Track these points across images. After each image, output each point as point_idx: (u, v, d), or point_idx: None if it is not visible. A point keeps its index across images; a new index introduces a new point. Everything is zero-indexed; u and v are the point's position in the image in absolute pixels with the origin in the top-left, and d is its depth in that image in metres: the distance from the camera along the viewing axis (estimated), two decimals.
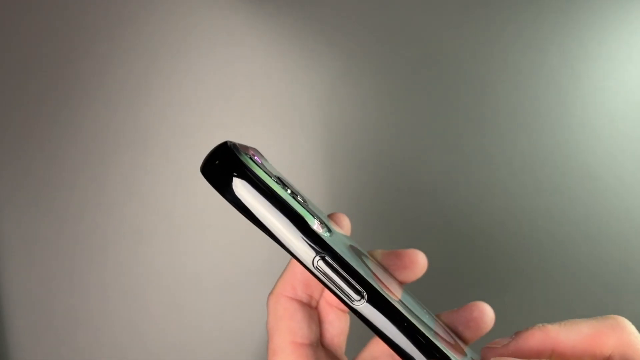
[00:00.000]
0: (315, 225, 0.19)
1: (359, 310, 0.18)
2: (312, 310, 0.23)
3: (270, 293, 0.23)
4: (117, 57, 0.40)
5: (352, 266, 0.18)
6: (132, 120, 0.40)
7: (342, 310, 0.23)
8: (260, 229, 0.18)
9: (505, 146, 0.41)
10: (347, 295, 0.18)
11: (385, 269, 0.23)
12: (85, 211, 0.40)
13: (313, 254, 0.18)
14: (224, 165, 0.19)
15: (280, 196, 0.18)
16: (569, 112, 0.41)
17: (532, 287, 0.42)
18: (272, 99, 0.40)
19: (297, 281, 0.22)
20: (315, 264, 0.19)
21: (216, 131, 0.40)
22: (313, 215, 0.19)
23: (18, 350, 0.41)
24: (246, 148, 0.20)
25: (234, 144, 0.19)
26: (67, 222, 0.40)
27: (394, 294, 0.19)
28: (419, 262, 0.23)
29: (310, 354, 0.22)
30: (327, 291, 0.22)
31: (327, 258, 0.18)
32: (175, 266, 0.41)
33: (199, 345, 0.41)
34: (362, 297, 0.18)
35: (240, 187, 0.18)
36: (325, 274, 0.19)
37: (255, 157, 0.20)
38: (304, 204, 0.19)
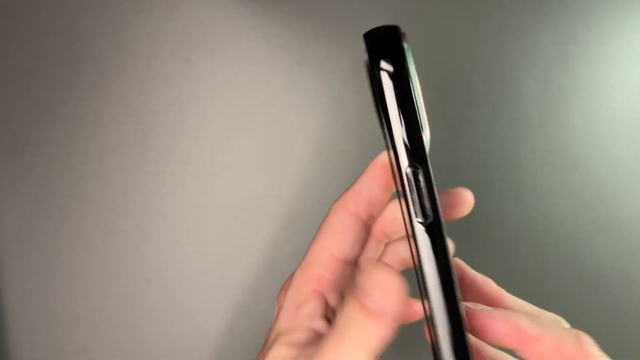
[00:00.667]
0: (425, 138, 0.20)
1: (416, 228, 0.19)
2: (366, 229, 0.23)
3: (335, 202, 0.23)
4: (117, 56, 0.40)
5: (434, 190, 0.19)
6: (132, 120, 0.40)
7: (390, 233, 0.23)
8: (380, 114, 0.19)
9: (504, 146, 0.41)
10: (416, 212, 0.19)
11: None
12: (85, 211, 0.40)
13: (408, 161, 0.19)
14: (386, 48, 0.19)
15: (414, 99, 0.19)
16: (569, 112, 0.41)
17: (532, 287, 0.42)
18: (273, 100, 0.40)
19: (361, 199, 0.23)
20: (405, 170, 0.19)
21: (216, 131, 0.40)
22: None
23: (18, 350, 0.41)
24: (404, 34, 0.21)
25: (402, 31, 0.20)
26: (67, 222, 0.40)
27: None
28: (467, 200, 0.24)
29: (342, 271, 0.23)
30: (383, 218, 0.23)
31: (419, 171, 0.19)
32: (175, 266, 0.41)
33: (199, 345, 0.41)
34: (426, 219, 0.19)
35: (389, 70, 0.19)
36: (409, 183, 0.19)
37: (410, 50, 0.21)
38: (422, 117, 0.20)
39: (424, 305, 0.20)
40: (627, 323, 0.42)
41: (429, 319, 0.20)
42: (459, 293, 0.19)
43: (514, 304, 0.23)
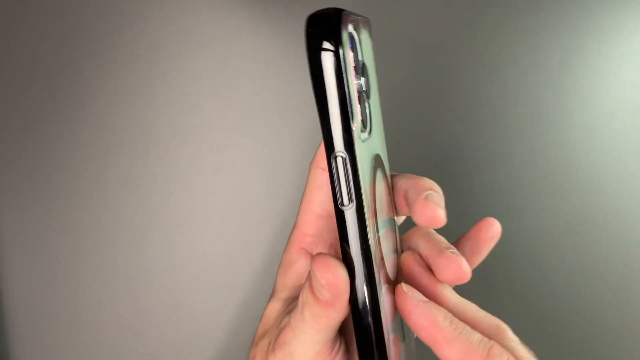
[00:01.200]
0: (355, 127, 0.20)
1: (341, 212, 0.20)
2: None
3: (311, 161, 0.25)
4: (118, 57, 0.40)
5: (358, 177, 0.20)
6: (132, 121, 0.40)
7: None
8: (315, 97, 0.20)
9: (504, 146, 0.41)
10: (340, 196, 0.20)
11: (391, 193, 0.24)
12: (85, 211, 0.40)
13: (334, 148, 0.20)
14: (323, 32, 0.19)
15: (345, 86, 0.19)
16: (568, 112, 0.41)
17: (533, 287, 0.42)
18: (273, 99, 0.40)
19: None
20: (332, 157, 0.20)
21: (216, 131, 0.40)
22: (363, 115, 0.20)
23: (18, 350, 0.41)
24: (356, 21, 0.21)
25: (346, 16, 0.20)
26: (67, 222, 0.40)
27: (376, 218, 0.21)
28: (494, 228, 0.26)
29: (326, 225, 0.24)
30: None
31: (343, 159, 0.20)
32: (175, 266, 0.41)
33: (199, 345, 0.41)
34: (349, 204, 0.20)
35: (323, 57, 0.19)
36: (336, 169, 0.20)
37: (354, 36, 0.21)
38: (364, 98, 0.20)
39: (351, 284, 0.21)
40: (627, 323, 0.42)
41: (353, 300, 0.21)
42: (376, 276, 0.21)
43: (453, 302, 0.23)
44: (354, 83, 0.20)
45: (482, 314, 0.23)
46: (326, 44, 0.19)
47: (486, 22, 0.40)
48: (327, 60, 0.19)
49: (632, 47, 0.40)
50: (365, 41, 0.23)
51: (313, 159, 0.24)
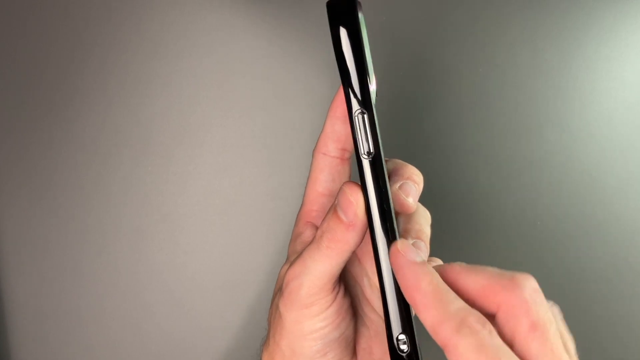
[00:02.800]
0: (372, 89, 0.24)
1: (362, 162, 0.24)
2: (342, 162, 0.27)
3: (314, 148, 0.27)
4: (118, 57, 0.40)
5: (377, 131, 0.24)
6: (133, 121, 0.40)
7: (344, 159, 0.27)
8: (339, 67, 0.24)
9: (504, 146, 0.41)
10: (362, 147, 0.24)
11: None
12: (86, 211, 0.40)
13: (359, 107, 0.24)
14: (344, 7, 0.24)
15: (364, 55, 0.24)
16: (568, 112, 0.41)
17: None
18: (273, 99, 0.41)
19: (329, 138, 0.26)
20: (354, 114, 0.24)
21: (216, 131, 0.40)
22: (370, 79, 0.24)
23: (19, 350, 0.41)
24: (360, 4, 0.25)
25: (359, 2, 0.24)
26: (68, 222, 0.40)
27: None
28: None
29: (328, 202, 0.27)
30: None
31: (365, 116, 0.24)
32: (175, 266, 0.41)
33: (200, 345, 0.41)
34: (370, 154, 0.24)
35: (345, 33, 0.24)
36: (357, 124, 0.24)
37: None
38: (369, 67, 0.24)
39: (370, 225, 0.24)
40: (628, 323, 0.42)
41: (372, 237, 0.24)
42: (393, 215, 0.24)
43: (457, 268, 0.24)
44: (369, 49, 0.24)
45: (496, 271, 0.22)
46: (348, 23, 0.24)
47: (486, 22, 0.40)
48: (349, 30, 0.23)
49: (632, 47, 0.40)
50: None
51: (315, 146, 0.27)
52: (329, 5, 0.24)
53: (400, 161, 0.27)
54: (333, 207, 0.25)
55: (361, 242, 0.25)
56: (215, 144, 0.41)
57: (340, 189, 0.24)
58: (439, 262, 0.26)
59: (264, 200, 0.41)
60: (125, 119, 0.40)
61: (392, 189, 0.25)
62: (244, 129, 0.41)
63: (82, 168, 0.40)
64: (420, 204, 0.27)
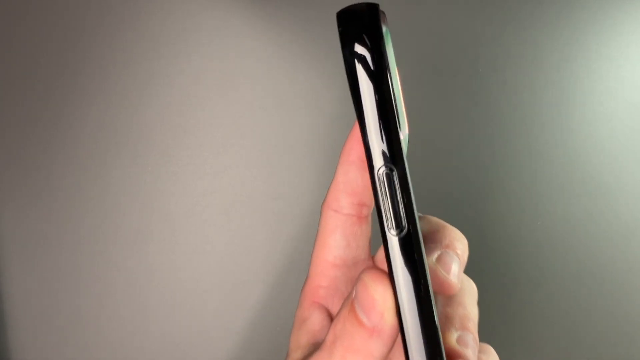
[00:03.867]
0: (402, 136, 0.17)
1: (389, 241, 0.17)
2: (360, 221, 0.21)
3: (323, 201, 0.21)
4: (118, 57, 0.40)
5: (411, 196, 0.17)
6: (132, 120, 0.40)
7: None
8: (354, 102, 0.17)
9: (504, 146, 0.41)
10: (389, 220, 0.17)
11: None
12: (85, 211, 0.40)
13: (382, 161, 0.17)
14: (363, 26, 0.17)
15: (391, 89, 0.17)
16: (568, 112, 0.41)
17: (533, 287, 0.42)
18: (273, 100, 0.40)
19: (341, 190, 0.20)
20: (377, 171, 0.17)
21: (216, 131, 0.40)
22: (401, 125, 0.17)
23: (18, 350, 0.41)
24: (385, 18, 0.18)
25: (382, 12, 0.17)
26: (67, 222, 0.40)
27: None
28: None
29: (342, 276, 0.21)
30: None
31: (394, 175, 0.17)
32: (175, 266, 0.41)
33: (199, 345, 0.41)
34: (401, 230, 0.17)
35: (364, 56, 0.17)
36: (382, 186, 0.17)
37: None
38: (399, 109, 0.18)
39: (400, 324, 0.17)
40: (629, 323, 0.42)
41: (405, 343, 0.17)
42: (436, 316, 0.17)
43: None
44: (399, 83, 0.18)
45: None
46: (368, 42, 0.17)
47: (485, 22, 0.40)
48: (372, 53, 0.17)
49: (632, 47, 0.40)
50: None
51: (324, 199, 0.21)
52: (340, 17, 0.17)
53: (434, 219, 0.21)
54: (349, 302, 0.18)
55: (389, 352, 0.18)
56: (215, 144, 0.40)
57: (359, 278, 0.17)
58: (490, 352, 0.21)
59: (264, 200, 0.41)
60: (125, 119, 0.40)
61: (428, 261, 0.18)
62: (244, 129, 0.40)
63: (81, 168, 0.40)
64: (466, 277, 0.21)
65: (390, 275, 0.17)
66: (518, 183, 0.41)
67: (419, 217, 0.19)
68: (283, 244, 0.41)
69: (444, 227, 0.21)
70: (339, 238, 0.21)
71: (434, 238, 0.20)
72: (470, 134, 0.41)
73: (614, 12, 0.40)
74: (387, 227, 0.17)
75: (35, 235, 0.40)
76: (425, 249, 0.18)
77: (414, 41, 0.40)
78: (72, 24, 0.40)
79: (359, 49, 0.17)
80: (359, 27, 0.17)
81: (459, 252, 0.20)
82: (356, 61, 0.17)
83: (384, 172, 0.17)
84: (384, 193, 0.17)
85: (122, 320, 0.41)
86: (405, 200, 0.17)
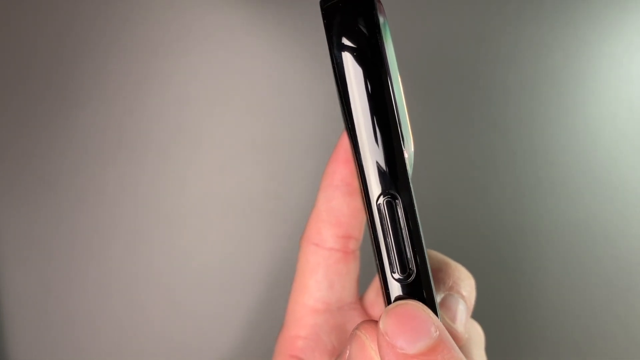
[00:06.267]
0: (407, 155, 0.13)
1: (391, 288, 0.13)
2: (346, 256, 0.17)
3: (302, 235, 0.18)
4: (116, 55, 0.40)
5: (419, 231, 0.13)
6: (130, 120, 0.40)
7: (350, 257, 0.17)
8: (343, 112, 0.13)
9: (505, 145, 0.41)
10: (393, 261, 0.13)
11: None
12: (84, 211, 0.40)
13: (382, 188, 0.12)
14: (358, 15, 0.12)
15: (391, 93, 0.13)
16: (570, 111, 0.41)
17: (533, 288, 0.41)
18: (273, 99, 0.40)
19: (322, 222, 0.17)
20: (378, 202, 0.13)
21: (216, 131, 0.40)
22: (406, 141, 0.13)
23: (17, 350, 0.41)
24: (383, 11, 0.14)
25: (379, 2, 0.13)
26: (65, 222, 0.40)
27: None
28: None
29: (324, 323, 0.17)
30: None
31: (398, 204, 0.13)
32: (174, 266, 0.41)
33: (198, 346, 0.41)
34: (407, 275, 0.13)
35: (355, 53, 0.12)
36: (383, 220, 0.13)
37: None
38: (405, 123, 0.13)
39: None
40: (630, 323, 0.42)
41: None
42: None
43: None
44: (401, 89, 0.14)
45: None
46: (361, 36, 0.12)
47: (485, 21, 0.40)
48: (363, 49, 0.12)
49: (635, 45, 0.40)
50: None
51: (304, 232, 0.18)
52: (325, 5, 0.13)
53: (434, 254, 0.17)
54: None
55: None
56: (215, 144, 0.40)
57: (354, 335, 0.14)
58: None
59: (264, 200, 0.41)
60: (123, 119, 0.40)
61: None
62: (244, 128, 0.40)
63: (78, 168, 0.40)
64: (472, 322, 0.17)
65: None
66: (519, 182, 0.41)
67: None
68: (282, 244, 0.41)
69: (447, 265, 0.17)
70: (321, 278, 0.17)
71: (435, 278, 0.16)
72: (471, 133, 0.41)
73: (617, 11, 0.40)
74: (390, 270, 0.13)
75: (32, 235, 0.40)
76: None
77: (415, 41, 0.40)
78: (68, 22, 0.40)
79: (350, 44, 0.13)
80: (349, 17, 0.13)
81: (464, 294, 0.17)
82: (346, 60, 0.13)
83: (385, 202, 0.13)
84: (385, 228, 0.13)
85: (119, 321, 0.41)
86: (413, 236, 0.13)
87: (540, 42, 0.40)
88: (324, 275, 0.17)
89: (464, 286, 0.16)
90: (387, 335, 0.13)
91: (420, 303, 0.13)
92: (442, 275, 0.17)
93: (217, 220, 0.41)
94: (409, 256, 0.13)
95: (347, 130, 0.13)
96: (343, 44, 0.13)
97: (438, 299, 0.15)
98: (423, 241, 0.13)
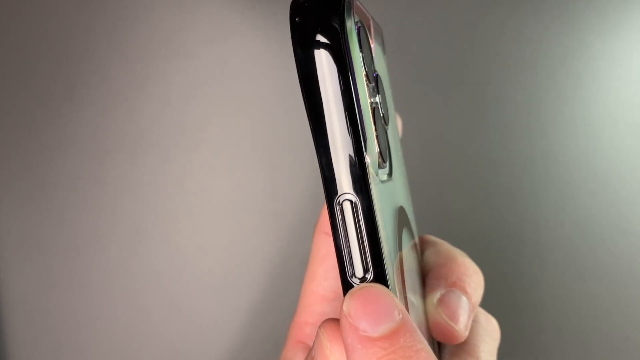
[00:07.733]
0: (368, 159, 0.13)
1: (347, 286, 0.13)
2: None
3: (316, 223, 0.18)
4: (116, 55, 0.40)
5: (378, 232, 0.13)
6: (131, 120, 0.40)
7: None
8: (308, 113, 0.13)
9: (505, 145, 0.41)
10: (350, 263, 0.13)
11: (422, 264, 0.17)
12: (84, 211, 0.40)
13: (338, 189, 0.12)
14: (321, 15, 0.12)
15: (352, 95, 0.12)
16: (570, 111, 0.41)
17: (534, 288, 0.41)
18: (273, 99, 0.40)
19: None
20: (336, 200, 0.13)
21: (215, 131, 0.40)
22: (382, 144, 0.13)
23: (16, 351, 0.41)
24: (365, 17, 0.14)
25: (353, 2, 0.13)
26: (65, 222, 0.40)
27: (405, 300, 0.14)
28: None
29: (332, 310, 0.17)
30: None
31: (357, 207, 0.13)
32: (174, 266, 0.41)
33: (198, 346, 0.41)
34: (365, 276, 0.13)
35: (319, 54, 0.12)
36: (342, 221, 0.13)
37: (365, 32, 0.13)
38: (382, 123, 0.13)
39: None
40: (630, 323, 0.42)
41: None
42: None
43: None
44: (365, 90, 0.13)
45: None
46: (325, 36, 0.12)
47: (485, 21, 0.40)
48: (327, 55, 0.12)
49: (635, 45, 0.40)
50: (378, 52, 0.16)
51: (317, 220, 0.18)
52: (295, 6, 0.13)
53: (444, 248, 0.17)
54: None
55: None
56: (214, 144, 0.40)
57: (317, 333, 0.14)
58: None
59: (264, 200, 0.41)
60: (123, 118, 0.40)
61: (427, 304, 0.15)
62: (244, 128, 0.40)
63: (78, 167, 0.40)
64: (482, 312, 0.17)
65: None
66: (520, 182, 0.41)
67: (427, 241, 0.15)
68: (282, 244, 0.41)
69: (453, 260, 0.17)
70: (330, 267, 0.17)
71: (438, 273, 0.16)
72: (471, 133, 0.41)
73: (618, 11, 0.40)
74: (348, 272, 0.13)
75: (33, 235, 0.40)
76: (426, 287, 0.15)
77: (412, 41, 0.40)
78: (69, 22, 0.40)
79: (309, 44, 0.13)
80: (312, 17, 0.12)
81: (468, 290, 0.16)
82: (305, 60, 0.13)
83: (342, 200, 0.13)
84: (342, 229, 0.13)
85: (120, 321, 0.41)
86: (371, 239, 0.13)
87: (540, 42, 0.40)
88: (333, 264, 0.17)
89: (468, 282, 0.16)
90: (350, 317, 0.13)
91: (385, 287, 0.13)
92: (445, 270, 0.16)
93: (217, 220, 0.41)
94: (367, 259, 0.13)
95: (310, 129, 0.13)
96: (303, 44, 0.13)
97: (437, 295, 0.16)
98: (383, 244, 0.13)
